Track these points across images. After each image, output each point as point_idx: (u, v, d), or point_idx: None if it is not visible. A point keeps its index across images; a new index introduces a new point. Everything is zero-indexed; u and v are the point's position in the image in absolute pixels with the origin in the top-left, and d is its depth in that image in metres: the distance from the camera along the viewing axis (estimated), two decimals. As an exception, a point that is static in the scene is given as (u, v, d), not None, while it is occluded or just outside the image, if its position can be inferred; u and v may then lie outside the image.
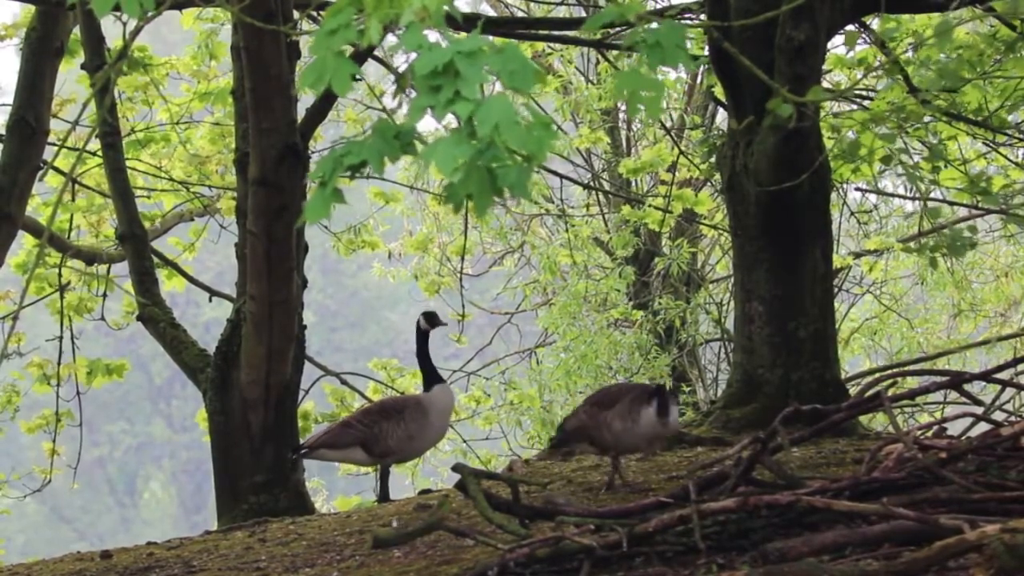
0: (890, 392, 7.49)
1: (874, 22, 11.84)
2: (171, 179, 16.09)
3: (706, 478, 6.83)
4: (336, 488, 19.89)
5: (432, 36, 4.29)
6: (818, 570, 5.18)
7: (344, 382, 16.31)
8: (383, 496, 9.80)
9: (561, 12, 16.28)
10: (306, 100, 10.91)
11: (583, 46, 17.62)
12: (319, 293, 57.51)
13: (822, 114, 10.43)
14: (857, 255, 19.25)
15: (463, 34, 4.34)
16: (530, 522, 6.64)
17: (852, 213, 18.70)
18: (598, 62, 19.42)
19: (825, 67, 11.98)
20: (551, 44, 18.31)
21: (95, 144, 13.42)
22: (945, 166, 10.71)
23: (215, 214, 16.29)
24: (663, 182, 18.11)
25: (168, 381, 59.97)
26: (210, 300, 15.68)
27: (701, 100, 19.93)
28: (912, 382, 14.85)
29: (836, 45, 12.49)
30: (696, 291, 19.89)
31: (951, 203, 14.29)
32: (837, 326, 10.96)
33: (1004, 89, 10.77)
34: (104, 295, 15.45)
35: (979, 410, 7.43)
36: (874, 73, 12.87)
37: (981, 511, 5.78)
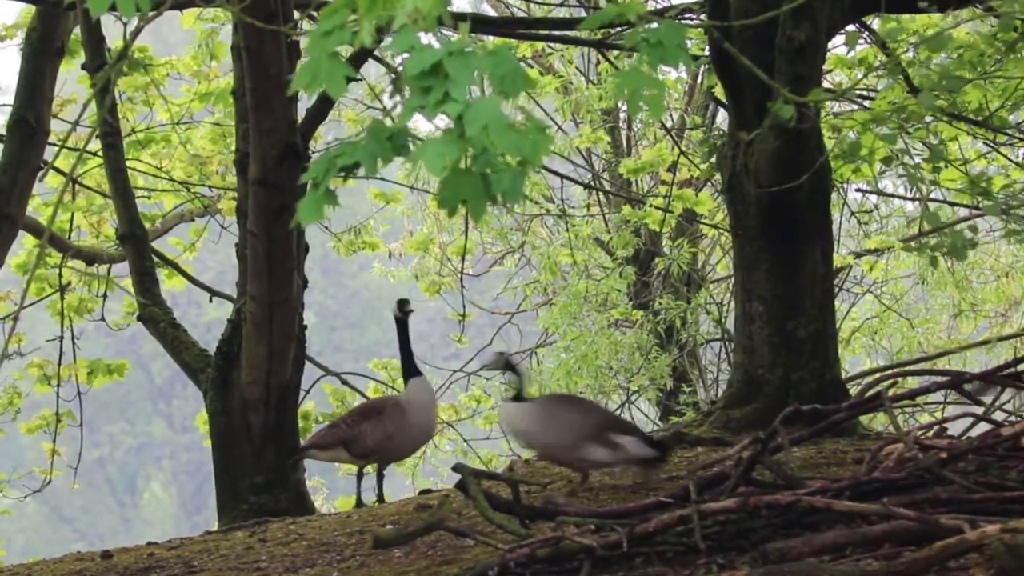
0: (890, 392, 7.50)
1: (875, 22, 11.84)
2: (171, 179, 16.07)
3: (706, 478, 6.84)
4: (337, 488, 19.85)
5: (426, 38, 4.27)
6: (818, 570, 5.18)
7: (345, 382, 16.30)
8: (379, 497, 9.80)
9: (561, 12, 16.26)
10: (307, 100, 10.92)
11: (583, 46, 17.62)
12: (320, 293, 57.52)
13: (823, 114, 10.43)
14: (857, 255, 19.23)
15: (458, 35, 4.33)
16: (530, 522, 6.64)
17: (852, 213, 18.70)
18: (598, 62, 19.40)
19: (826, 67, 11.98)
20: (551, 44, 18.30)
21: (95, 144, 13.40)
22: (945, 166, 10.70)
23: (215, 214, 16.27)
24: (663, 182, 18.09)
25: (168, 381, 59.96)
26: (211, 300, 15.67)
27: (701, 100, 19.90)
28: (912, 382, 14.82)
29: (836, 45, 12.48)
30: (696, 291, 19.87)
31: (952, 203, 14.29)
32: (837, 326, 10.96)
33: (1005, 89, 10.77)
34: (104, 295, 15.43)
35: (979, 410, 7.44)
36: (875, 73, 12.86)
37: (981, 511, 5.78)
